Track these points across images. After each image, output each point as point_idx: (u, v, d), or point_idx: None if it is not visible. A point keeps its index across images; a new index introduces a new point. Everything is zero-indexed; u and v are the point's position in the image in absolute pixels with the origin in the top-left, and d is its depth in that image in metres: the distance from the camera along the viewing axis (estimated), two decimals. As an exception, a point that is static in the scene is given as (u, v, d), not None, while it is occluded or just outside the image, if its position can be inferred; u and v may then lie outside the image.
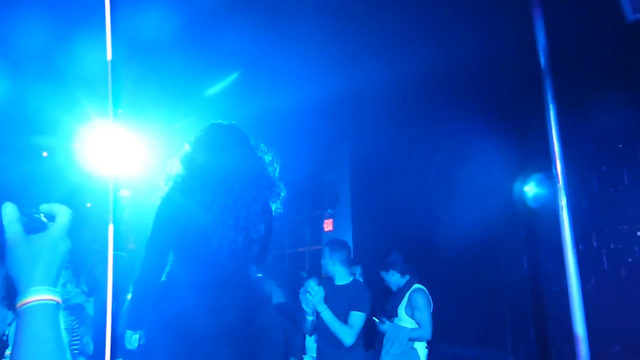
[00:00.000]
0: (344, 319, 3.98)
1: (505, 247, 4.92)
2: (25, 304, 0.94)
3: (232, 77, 5.25)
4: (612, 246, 4.01)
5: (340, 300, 4.04)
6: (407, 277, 4.51)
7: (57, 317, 0.97)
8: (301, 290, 4.12)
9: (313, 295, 3.94)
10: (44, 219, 1.03)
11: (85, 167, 4.13)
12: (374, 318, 4.29)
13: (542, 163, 4.39)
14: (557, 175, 3.14)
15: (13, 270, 0.97)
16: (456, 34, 4.03)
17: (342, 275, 4.15)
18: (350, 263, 4.28)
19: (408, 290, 4.43)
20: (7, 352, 1.62)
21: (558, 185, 3.11)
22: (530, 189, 4.77)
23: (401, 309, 4.39)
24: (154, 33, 4.19)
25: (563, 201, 3.09)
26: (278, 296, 5.06)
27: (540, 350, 4.48)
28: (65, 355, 0.95)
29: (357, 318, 3.96)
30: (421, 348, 4.38)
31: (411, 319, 4.35)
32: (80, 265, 4.38)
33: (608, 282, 3.96)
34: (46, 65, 4.27)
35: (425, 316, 4.28)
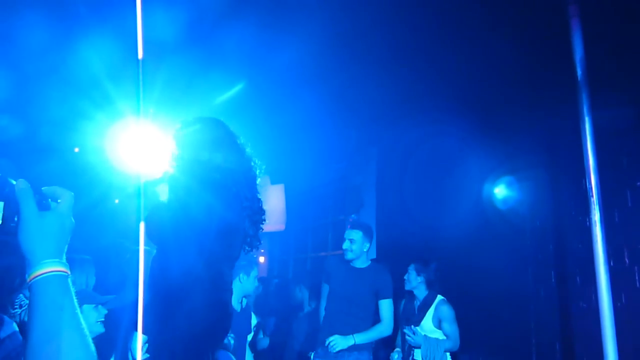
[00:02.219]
0: (368, 301, 4.06)
1: (533, 260, 4.83)
2: (41, 274, 0.99)
3: (255, 81, 5.26)
4: (644, 264, 3.90)
5: (363, 284, 4.11)
6: (429, 289, 4.44)
7: (70, 287, 1.01)
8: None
9: (335, 343, 3.94)
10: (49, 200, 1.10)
11: (115, 164, 4.17)
12: (405, 330, 4.26)
13: (575, 176, 4.31)
14: (590, 189, 3.07)
15: (26, 243, 1.02)
16: (492, 42, 3.97)
17: (364, 259, 4.19)
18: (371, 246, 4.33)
19: (433, 301, 4.38)
20: None
21: (592, 200, 3.04)
22: (561, 201, 4.67)
23: (427, 320, 4.34)
24: (182, 33, 4.23)
25: (596, 216, 3.02)
26: (309, 302, 5.06)
27: (566, 367, 4.38)
28: (81, 323, 0.99)
29: (387, 307, 4.08)
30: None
31: (438, 330, 4.30)
32: (105, 261, 4.43)
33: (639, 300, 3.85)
34: (79, 63, 4.34)
35: (455, 328, 4.26)
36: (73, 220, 1.09)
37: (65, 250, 1.06)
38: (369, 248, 4.25)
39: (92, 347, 0.98)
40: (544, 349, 4.61)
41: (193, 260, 2.23)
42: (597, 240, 3.03)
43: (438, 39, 4.21)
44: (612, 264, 3.44)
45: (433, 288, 4.43)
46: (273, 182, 8.59)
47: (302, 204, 8.13)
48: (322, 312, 4.24)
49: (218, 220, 2.31)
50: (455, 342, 4.24)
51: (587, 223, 3.10)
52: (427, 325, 4.30)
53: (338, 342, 3.94)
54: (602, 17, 3.50)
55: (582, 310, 4.30)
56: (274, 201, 8.59)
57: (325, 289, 4.33)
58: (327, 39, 4.43)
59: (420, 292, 4.44)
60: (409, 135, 6.00)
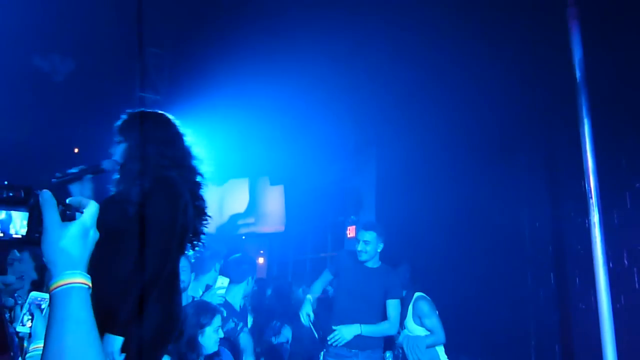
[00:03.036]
0: (377, 301, 4.08)
1: (532, 261, 4.83)
2: (61, 285, 0.98)
3: (256, 84, 5.27)
4: (644, 265, 3.90)
5: (374, 285, 4.13)
6: (407, 290, 4.48)
7: (89, 300, 1.01)
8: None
9: (339, 335, 3.96)
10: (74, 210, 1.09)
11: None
12: None
13: (573, 177, 4.31)
14: (589, 190, 3.08)
15: (48, 254, 1.01)
16: (491, 44, 3.98)
17: (376, 260, 4.21)
18: None
19: (410, 300, 4.43)
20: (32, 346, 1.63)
21: (590, 201, 3.05)
22: (560, 203, 4.68)
23: (409, 321, 4.40)
24: (184, 31, 4.24)
25: (595, 217, 3.03)
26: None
27: (565, 368, 4.39)
28: (97, 339, 0.98)
29: (394, 306, 4.08)
30: (444, 358, 4.35)
31: (421, 327, 4.35)
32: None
33: (639, 302, 3.85)
34: (85, 60, 4.34)
35: (434, 321, 4.29)
36: (97, 231, 1.09)
37: (88, 261, 1.05)
38: (382, 248, 4.25)
39: None
40: (543, 351, 4.61)
41: (150, 258, 2.18)
42: (596, 242, 3.04)
43: (437, 41, 4.22)
44: (611, 265, 3.44)
45: (411, 288, 4.48)
46: (272, 184, 8.60)
47: (302, 205, 8.13)
48: (313, 292, 4.27)
49: (171, 219, 2.28)
50: (438, 336, 4.26)
51: (587, 224, 3.11)
52: (410, 325, 4.37)
53: (343, 335, 3.95)
54: (601, 19, 3.51)
55: (581, 311, 4.30)
56: (273, 202, 8.59)
57: (326, 277, 4.38)
58: (327, 40, 4.44)
59: None
60: (408, 136, 6.01)
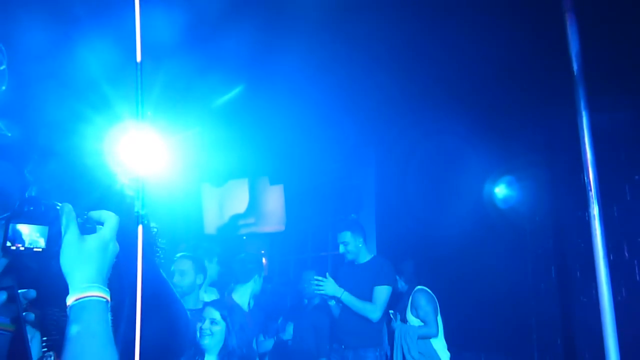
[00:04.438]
0: (368, 293, 4.03)
1: (533, 255, 4.83)
2: (78, 299, 0.99)
3: (254, 83, 5.26)
4: (644, 257, 3.91)
5: (364, 279, 4.11)
6: (409, 284, 4.58)
7: (107, 313, 1.01)
8: (310, 282, 4.18)
9: (324, 285, 3.98)
10: (94, 223, 1.10)
11: (113, 168, 4.15)
12: (390, 312, 4.33)
13: (572, 170, 4.31)
14: (589, 183, 3.07)
15: (67, 267, 1.02)
16: (487, 38, 3.98)
17: (364, 254, 4.21)
18: (366, 239, 4.37)
19: (410, 293, 4.55)
20: None
21: (590, 194, 3.05)
22: (559, 197, 4.68)
23: (408, 313, 4.50)
24: (180, 34, 4.23)
25: (595, 210, 3.03)
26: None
27: (568, 361, 4.39)
28: (114, 351, 0.98)
29: (380, 292, 4.03)
30: (443, 352, 4.37)
31: (417, 319, 4.46)
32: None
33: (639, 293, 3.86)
34: (77, 66, 4.33)
35: (428, 313, 4.34)
36: (117, 244, 1.10)
37: (108, 274, 1.06)
38: (365, 241, 4.27)
39: None
40: (545, 344, 4.62)
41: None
42: (596, 235, 3.04)
43: (434, 37, 4.22)
44: (611, 257, 3.44)
45: (413, 282, 4.55)
46: (272, 183, 8.59)
47: (302, 204, 8.12)
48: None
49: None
50: (430, 328, 4.31)
51: (586, 217, 3.11)
52: (408, 315, 4.45)
53: (327, 286, 4.00)
54: (598, 10, 3.50)
55: (582, 304, 4.31)
56: (273, 202, 8.58)
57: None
58: (325, 39, 4.43)
59: (403, 289, 4.68)
60: (407, 134, 6.00)
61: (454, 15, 3.88)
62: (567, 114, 3.41)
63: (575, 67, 3.19)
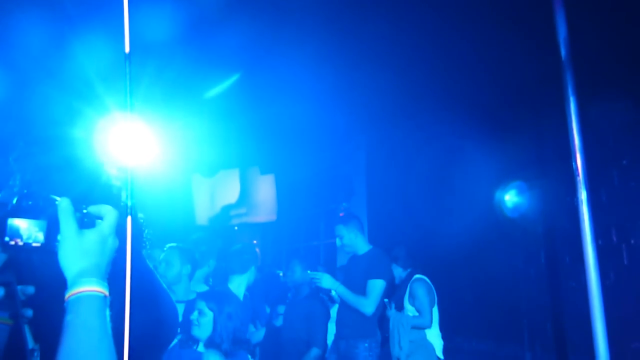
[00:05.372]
0: (361, 285, 4.04)
1: (522, 241, 4.87)
2: (75, 293, 0.98)
3: (244, 73, 5.24)
4: (632, 242, 3.94)
5: (357, 270, 4.14)
6: (409, 270, 4.58)
7: (105, 308, 1.00)
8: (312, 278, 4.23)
9: (319, 279, 4.04)
10: (94, 218, 1.10)
11: (102, 159, 4.13)
12: (385, 300, 4.35)
13: (561, 155, 4.34)
14: (577, 168, 3.09)
15: (65, 261, 1.02)
16: (474, 26, 3.98)
17: (362, 245, 4.24)
18: (363, 230, 4.36)
19: (409, 281, 4.54)
20: None
21: (578, 179, 3.07)
22: (548, 182, 4.71)
23: (405, 301, 4.51)
24: (169, 29, 4.21)
25: (583, 195, 3.05)
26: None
27: (557, 345, 4.44)
28: (111, 346, 0.98)
29: (373, 285, 4.05)
30: (436, 340, 4.40)
31: (413, 308, 4.47)
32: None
33: (628, 278, 3.89)
34: (65, 57, 4.29)
35: (423, 304, 4.36)
36: (117, 239, 1.09)
37: (107, 269, 1.05)
38: (362, 232, 4.30)
39: None
40: (535, 328, 4.67)
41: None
42: (584, 220, 3.06)
43: (421, 25, 4.22)
44: (600, 242, 3.47)
45: (408, 267, 4.56)
46: (263, 173, 8.59)
47: (293, 193, 8.14)
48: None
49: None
50: (424, 319, 4.33)
51: (575, 203, 3.13)
52: (406, 304, 4.46)
53: (323, 279, 4.07)
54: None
55: (572, 289, 4.35)
56: (264, 192, 8.59)
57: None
58: (316, 31, 4.42)
59: (399, 275, 4.68)
60: (397, 123, 6.02)
61: (443, 3, 3.88)
62: (555, 99, 3.41)
63: (563, 52, 3.19)
